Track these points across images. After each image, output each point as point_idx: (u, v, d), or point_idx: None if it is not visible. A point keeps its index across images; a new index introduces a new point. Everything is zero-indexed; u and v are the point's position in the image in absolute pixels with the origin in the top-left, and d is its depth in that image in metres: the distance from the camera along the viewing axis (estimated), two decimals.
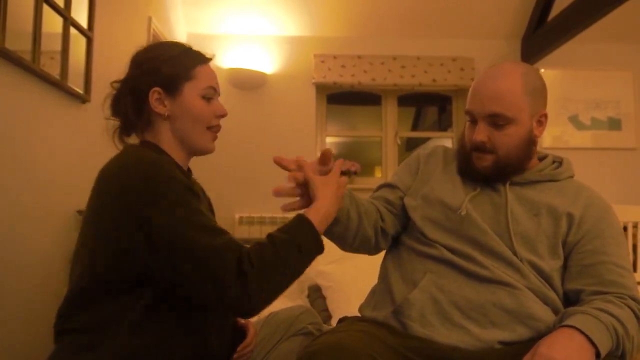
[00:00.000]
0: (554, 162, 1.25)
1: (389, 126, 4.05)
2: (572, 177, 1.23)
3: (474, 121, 1.17)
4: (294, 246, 0.97)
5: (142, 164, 0.98)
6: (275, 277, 0.94)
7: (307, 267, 0.98)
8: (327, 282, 2.46)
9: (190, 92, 1.10)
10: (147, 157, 1.00)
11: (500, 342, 1.04)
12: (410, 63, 3.89)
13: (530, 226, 1.12)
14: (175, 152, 1.12)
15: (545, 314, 1.06)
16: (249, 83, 3.78)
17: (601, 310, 0.98)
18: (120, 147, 1.12)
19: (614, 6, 2.91)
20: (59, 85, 1.79)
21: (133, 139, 1.15)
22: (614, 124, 3.97)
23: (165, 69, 1.09)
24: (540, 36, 3.68)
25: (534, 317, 1.05)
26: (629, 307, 1.02)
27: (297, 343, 1.25)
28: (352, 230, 1.17)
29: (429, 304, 1.08)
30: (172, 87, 1.09)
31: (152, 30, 2.91)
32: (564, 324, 0.95)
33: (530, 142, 1.17)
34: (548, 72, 3.97)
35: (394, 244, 1.27)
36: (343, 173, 1.11)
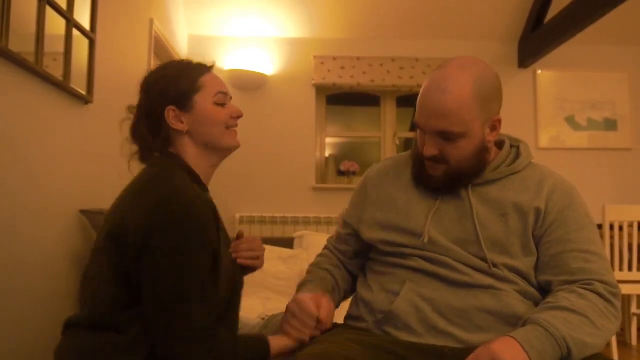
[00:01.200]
0: (511, 147, 1.19)
1: (387, 127, 4.05)
2: (531, 162, 1.17)
3: (424, 131, 1.10)
4: None
5: (172, 204, 0.99)
6: None
7: None
8: None
9: (203, 102, 1.13)
10: (179, 192, 1.02)
11: None
12: (409, 64, 3.89)
13: (499, 229, 1.08)
14: (201, 162, 1.14)
15: (528, 311, 1.03)
16: (250, 84, 3.78)
17: (560, 309, 0.96)
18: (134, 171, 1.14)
19: (610, 8, 2.92)
20: (61, 87, 1.78)
21: None
22: (610, 125, 3.97)
23: (173, 86, 1.12)
24: (537, 38, 3.68)
25: (517, 315, 1.03)
26: (595, 292, 0.99)
27: None
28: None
29: (412, 312, 1.05)
30: (184, 102, 1.12)
31: (153, 33, 2.91)
32: (510, 334, 0.92)
33: (483, 150, 1.10)
34: (545, 73, 3.97)
35: (371, 257, 1.23)
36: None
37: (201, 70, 1.16)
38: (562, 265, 1.04)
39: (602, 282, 1.01)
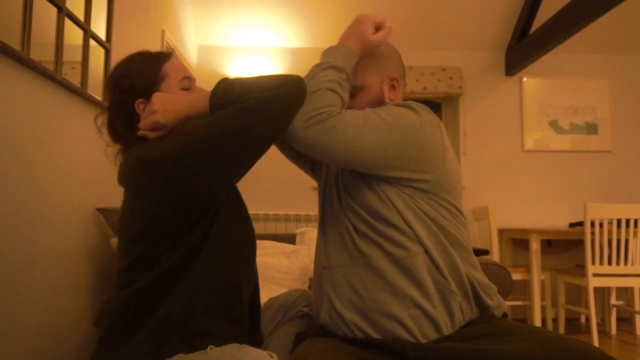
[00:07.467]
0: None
1: None
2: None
3: None
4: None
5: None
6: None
7: None
8: None
9: (169, 90, 1.07)
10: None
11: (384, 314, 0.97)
12: None
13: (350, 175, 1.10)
14: None
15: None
16: None
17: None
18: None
19: (591, 20, 2.92)
20: (79, 93, 1.78)
21: None
22: (591, 129, 3.97)
23: (139, 80, 1.06)
24: (523, 47, 3.68)
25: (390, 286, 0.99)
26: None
27: (293, 326, 1.24)
28: None
29: (327, 305, 1.04)
30: (151, 92, 1.06)
31: (165, 42, 2.91)
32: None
33: (381, 105, 1.10)
34: (530, 80, 3.97)
35: None
36: None
37: (162, 58, 1.10)
38: None
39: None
